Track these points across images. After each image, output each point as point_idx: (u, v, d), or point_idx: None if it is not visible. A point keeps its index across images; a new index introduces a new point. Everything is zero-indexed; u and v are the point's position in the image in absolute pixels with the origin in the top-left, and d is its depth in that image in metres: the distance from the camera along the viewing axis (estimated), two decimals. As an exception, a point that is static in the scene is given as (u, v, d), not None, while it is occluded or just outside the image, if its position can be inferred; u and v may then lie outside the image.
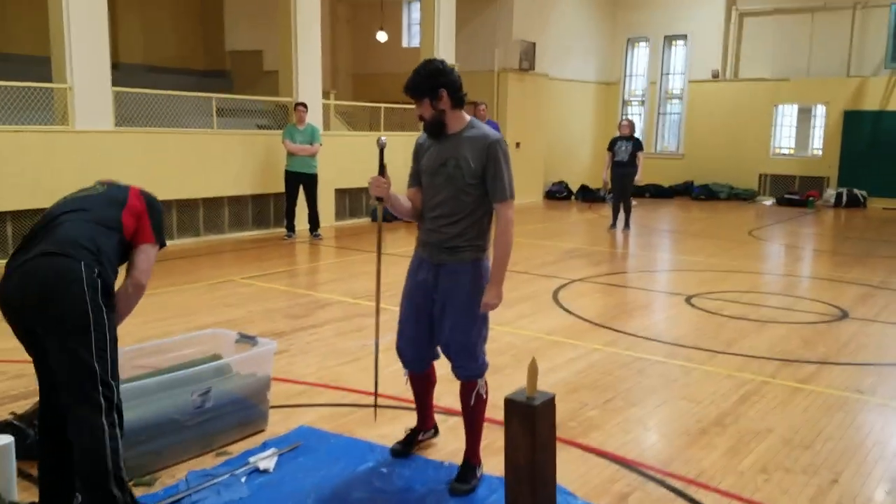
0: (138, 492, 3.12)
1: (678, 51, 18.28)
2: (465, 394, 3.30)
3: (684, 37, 17.91)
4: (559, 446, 3.63)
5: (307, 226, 10.30)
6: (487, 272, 3.21)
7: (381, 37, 16.65)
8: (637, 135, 11.71)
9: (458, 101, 3.16)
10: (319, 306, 6.45)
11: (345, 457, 3.52)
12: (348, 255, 9.29)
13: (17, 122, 7.97)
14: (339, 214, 12.04)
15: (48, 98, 8.46)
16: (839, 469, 3.47)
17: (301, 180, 10.01)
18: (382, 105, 12.79)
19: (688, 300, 6.85)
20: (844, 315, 6.42)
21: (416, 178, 3.33)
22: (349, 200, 12.25)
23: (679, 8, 17.67)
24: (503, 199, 3.12)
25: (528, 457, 1.77)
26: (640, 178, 11.20)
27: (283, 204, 10.27)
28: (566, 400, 4.30)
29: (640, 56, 18.76)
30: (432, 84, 3.11)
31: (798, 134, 16.93)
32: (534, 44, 15.65)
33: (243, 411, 3.67)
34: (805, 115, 16.78)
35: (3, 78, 8.28)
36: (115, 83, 8.92)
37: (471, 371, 3.27)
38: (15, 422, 3.42)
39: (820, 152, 16.52)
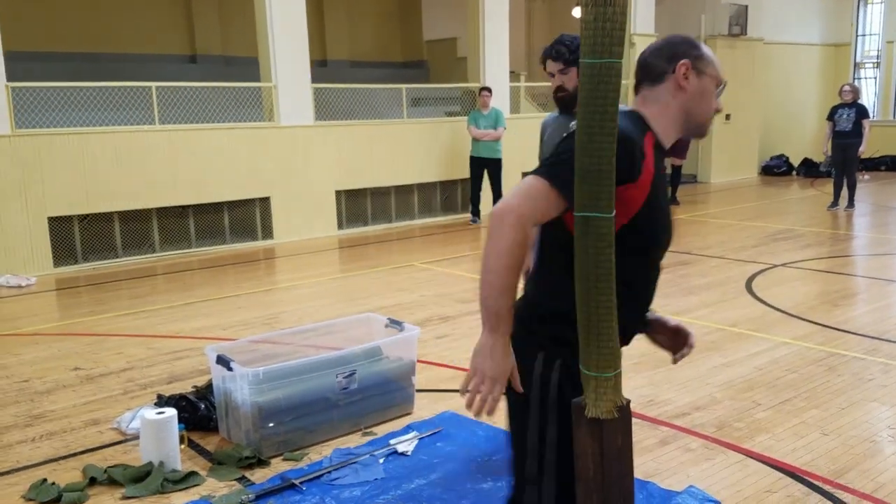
0: (286, 465, 3.32)
1: (924, 1, 15.89)
2: None
3: (932, -17, 15.53)
4: (716, 450, 3.35)
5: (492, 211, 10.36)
6: None
7: (577, 12, 16.26)
8: (864, 102, 10.37)
9: None
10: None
11: (483, 444, 3.49)
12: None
13: (232, 120, 8.82)
14: (529, 198, 11.96)
15: (257, 97, 9.27)
16: None
17: (486, 165, 10.07)
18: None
19: (909, 288, 5.96)
20: None
21: None
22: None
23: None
24: None
25: (597, 466, 1.61)
26: (864, 150, 9.92)
27: (469, 189, 10.42)
28: (736, 399, 3.92)
29: (874, 13, 16.55)
30: (577, 54, 2.93)
31: None
32: (746, 6, 14.43)
33: (389, 394, 3.76)
34: None
35: (221, 79, 9.24)
36: (322, 79, 9.56)
37: None
38: (190, 396, 3.77)
39: None
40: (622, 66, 1.53)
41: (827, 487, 2.98)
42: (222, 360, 3.41)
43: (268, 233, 9.17)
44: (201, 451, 3.48)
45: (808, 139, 16.35)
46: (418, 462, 3.35)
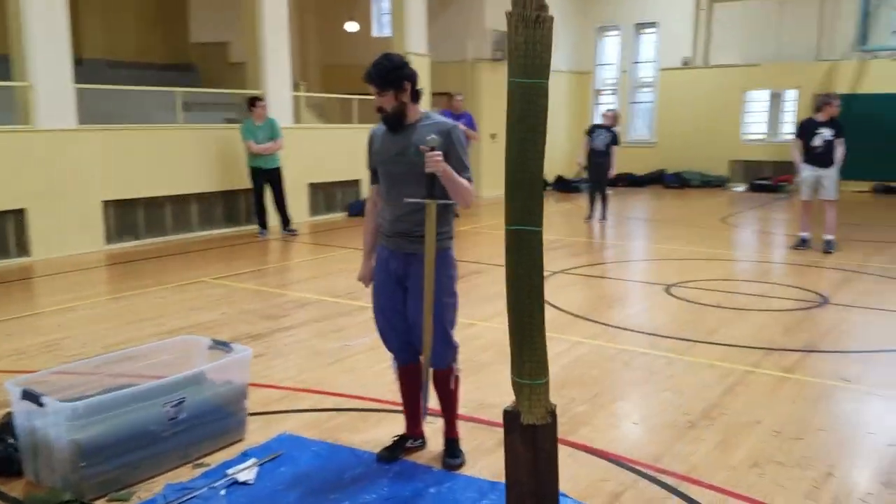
0: (112, 508, 2.98)
1: (648, 39, 18.27)
2: (444, 381, 3.35)
3: (654, 24, 17.91)
4: (548, 446, 3.57)
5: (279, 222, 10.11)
6: (455, 262, 3.29)
7: (351, 27, 16.42)
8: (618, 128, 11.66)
9: (417, 93, 3.22)
10: (297, 306, 6.30)
11: (328, 465, 3.40)
12: (324, 252, 9.13)
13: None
14: (315, 210, 11.85)
15: (9, 97, 8.18)
16: (833, 461, 3.42)
17: (267, 175, 9.81)
18: (356, 97, 12.61)
19: (667, 289, 6.81)
20: (824, 301, 6.42)
21: (376, 174, 3.35)
22: (324, 195, 12.06)
23: (649, -4, 17.66)
24: (469, 181, 3.16)
25: (530, 473, 1.66)
26: (612, 174, 11.15)
27: (253, 200, 10.08)
28: (554, 396, 4.13)
29: (611, 45, 18.73)
30: (398, 76, 3.13)
31: (770, 119, 17.02)
32: (506, 34, 15.54)
33: (221, 421, 3.53)
34: (776, 101, 16.89)
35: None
36: (77, 79, 8.65)
37: (447, 357, 3.31)
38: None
39: (792, 136, 16.61)
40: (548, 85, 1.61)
41: (650, 472, 3.32)
42: (30, 395, 2.98)
43: (23, 249, 8.10)
44: (5, 499, 3.00)
45: (560, 158, 17.98)
46: (263, 490, 3.17)
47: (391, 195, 3.24)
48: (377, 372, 4.64)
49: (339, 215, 12.17)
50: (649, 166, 17.26)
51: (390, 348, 3.44)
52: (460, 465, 3.38)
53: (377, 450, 3.51)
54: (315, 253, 9.11)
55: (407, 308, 3.28)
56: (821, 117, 8.50)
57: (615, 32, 18.51)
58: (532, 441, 1.66)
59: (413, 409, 3.52)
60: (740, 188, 16.51)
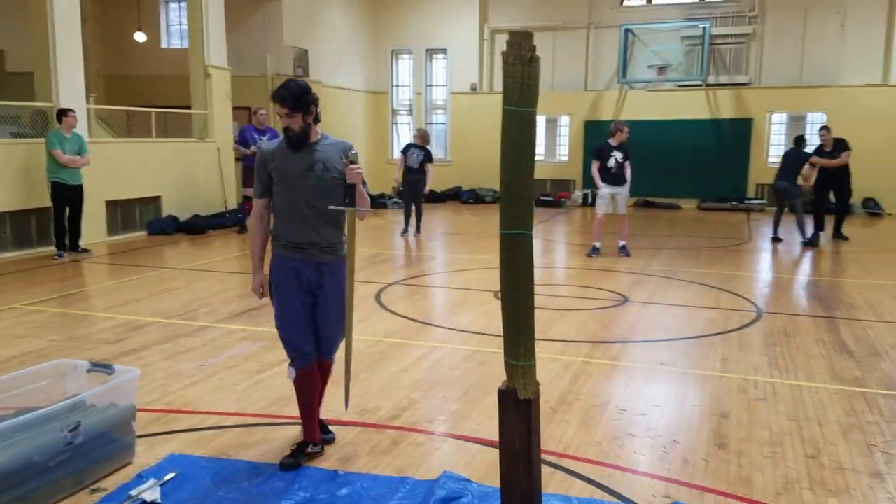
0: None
1: (440, 64, 19.29)
2: (327, 368, 3.74)
3: (444, 51, 18.95)
4: (439, 440, 3.86)
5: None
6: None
7: (140, 37, 15.59)
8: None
9: (318, 116, 3.48)
10: (130, 330, 5.99)
11: (233, 480, 3.40)
12: (136, 273, 8.64)
13: None
14: (112, 229, 11.10)
15: None
16: (674, 431, 4.06)
17: (70, 193, 9.11)
18: (154, 109, 12.04)
19: (496, 295, 7.39)
20: (626, 300, 7.35)
21: (268, 189, 3.51)
22: (122, 213, 11.34)
23: (437, 23, 18.65)
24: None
25: (524, 442, 1.94)
26: (429, 189, 11.71)
27: (51, 219, 9.27)
28: (429, 397, 4.50)
29: (405, 67, 19.51)
30: (308, 100, 3.39)
31: (547, 142, 18.70)
32: (306, 50, 15.63)
33: (111, 444, 3.39)
34: (552, 125, 18.60)
35: None
36: None
37: (335, 348, 3.68)
38: None
39: (566, 158, 18.42)
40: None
41: (544, 456, 3.72)
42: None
43: None
44: None
45: (366, 175, 18.33)
46: (173, 508, 3.13)
47: (297, 209, 3.42)
48: (246, 389, 4.64)
49: (138, 234, 11.50)
50: (447, 183, 18.19)
51: (297, 354, 3.55)
52: (333, 440, 3.77)
53: (276, 461, 3.57)
54: (126, 274, 8.59)
55: (319, 314, 3.49)
56: (613, 142, 9.66)
57: (408, 56, 19.30)
58: (526, 414, 1.94)
59: (311, 415, 3.63)
60: (527, 204, 17.97)
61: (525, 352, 1.91)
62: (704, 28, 16.53)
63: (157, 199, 11.86)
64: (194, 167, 12.59)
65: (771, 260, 10.25)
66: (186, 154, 12.49)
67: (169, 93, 14.34)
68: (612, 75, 17.75)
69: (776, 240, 11.40)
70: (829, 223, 11.74)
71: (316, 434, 3.66)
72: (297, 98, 3.34)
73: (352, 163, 3.40)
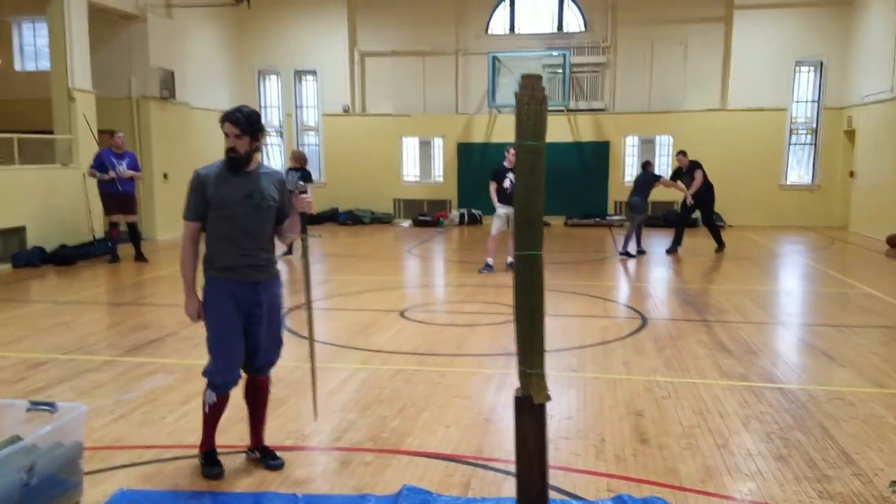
0: None
1: (310, 85, 19.25)
2: (266, 384, 3.91)
3: (314, 72, 18.94)
4: (387, 457, 3.99)
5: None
6: None
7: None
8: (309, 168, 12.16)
9: (259, 147, 3.70)
10: (29, 367, 5.65)
11: (189, 507, 3.37)
12: (16, 308, 8.07)
13: None
14: (-29, 262, 10.26)
15: None
16: (599, 430, 4.41)
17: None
18: (15, 135, 11.27)
19: (402, 314, 7.56)
20: (523, 314, 7.74)
21: (203, 213, 3.60)
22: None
23: (306, 45, 18.63)
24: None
25: (538, 442, 2.15)
26: (313, 210, 11.69)
27: None
28: (366, 417, 4.61)
29: (273, 88, 19.30)
30: (258, 127, 3.60)
31: (422, 163, 19.12)
32: (172, 72, 15.15)
33: (62, 483, 3.27)
34: (426, 147, 19.05)
35: None
36: None
37: (273, 363, 3.89)
38: None
39: (441, 179, 18.90)
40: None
41: (481, 462, 3.94)
42: None
43: None
44: None
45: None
46: (140, 545, 3.07)
47: (235, 235, 3.57)
48: (175, 421, 4.56)
49: (2, 267, 10.69)
50: (323, 205, 18.12)
51: (224, 377, 3.66)
52: (282, 465, 3.82)
53: (232, 488, 3.57)
54: (3, 310, 7.99)
55: (255, 331, 3.65)
56: (508, 164, 10.13)
57: (275, 77, 19.11)
58: (540, 417, 2.14)
59: (214, 426, 3.78)
60: (406, 223, 18.24)
61: (538, 361, 2.12)
62: (564, 56, 17.58)
63: (21, 229, 11.07)
64: (59, 195, 11.87)
65: (639, 270, 11.07)
66: (50, 181, 11.76)
67: (26, 118, 13.47)
68: (482, 99, 18.45)
69: (640, 252, 12.31)
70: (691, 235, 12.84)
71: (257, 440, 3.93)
72: (251, 122, 3.53)
73: (301, 192, 3.61)
